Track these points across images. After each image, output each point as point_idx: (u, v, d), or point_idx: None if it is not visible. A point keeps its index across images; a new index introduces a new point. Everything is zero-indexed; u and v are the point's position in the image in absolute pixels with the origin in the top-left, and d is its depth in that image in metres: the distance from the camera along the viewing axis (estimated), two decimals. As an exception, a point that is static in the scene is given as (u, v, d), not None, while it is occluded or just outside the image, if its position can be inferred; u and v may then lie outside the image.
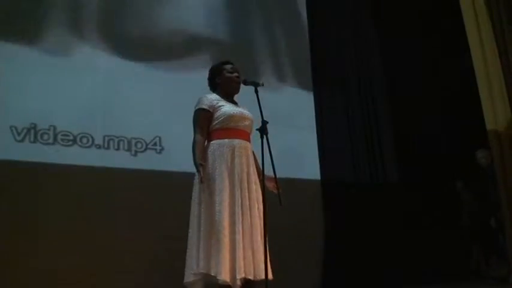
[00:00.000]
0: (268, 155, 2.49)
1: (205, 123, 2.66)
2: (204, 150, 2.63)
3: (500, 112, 4.31)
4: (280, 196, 2.55)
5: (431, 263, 5.08)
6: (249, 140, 2.70)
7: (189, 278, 2.48)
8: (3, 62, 3.74)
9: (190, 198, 2.63)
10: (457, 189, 5.84)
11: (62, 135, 3.85)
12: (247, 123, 2.72)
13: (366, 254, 4.80)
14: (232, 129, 2.66)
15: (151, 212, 3.88)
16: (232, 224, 2.49)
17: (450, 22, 5.08)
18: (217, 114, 2.67)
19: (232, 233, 2.47)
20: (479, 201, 5.59)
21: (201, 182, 2.47)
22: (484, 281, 5.21)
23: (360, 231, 4.87)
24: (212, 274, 2.39)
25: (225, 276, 2.38)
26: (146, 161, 4.13)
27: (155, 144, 4.23)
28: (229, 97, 2.79)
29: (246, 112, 2.76)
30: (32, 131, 3.75)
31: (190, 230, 2.56)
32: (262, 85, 2.69)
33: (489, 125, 4.36)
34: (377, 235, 4.93)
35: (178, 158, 4.03)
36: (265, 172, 2.54)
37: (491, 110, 4.36)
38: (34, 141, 3.73)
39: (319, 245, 4.85)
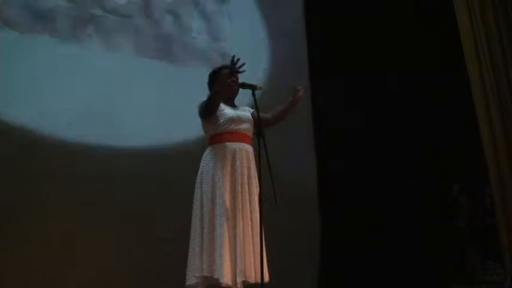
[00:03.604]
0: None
1: None
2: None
3: (494, 113, 4.36)
4: (276, 197, 2.57)
5: (428, 267, 5.10)
6: (250, 143, 2.73)
7: (191, 280, 2.53)
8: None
9: (189, 200, 2.67)
10: (454, 193, 5.86)
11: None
12: (246, 126, 2.75)
13: (363, 256, 4.83)
14: (232, 132, 2.70)
15: (151, 214, 3.91)
16: (233, 227, 2.54)
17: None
18: (217, 118, 2.70)
19: (233, 236, 2.52)
20: (476, 204, 5.63)
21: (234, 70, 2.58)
22: (480, 286, 5.23)
23: (356, 233, 4.90)
24: (215, 277, 2.44)
25: (227, 279, 2.43)
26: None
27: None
28: (228, 101, 2.82)
29: (245, 115, 2.79)
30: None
31: (192, 233, 2.61)
32: (260, 89, 2.73)
33: (484, 128, 4.41)
34: (374, 236, 4.96)
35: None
36: (264, 174, 2.58)
37: (487, 113, 4.40)
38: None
39: (315, 245, 4.87)
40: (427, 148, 5.65)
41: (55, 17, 4.02)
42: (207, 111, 2.69)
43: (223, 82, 2.62)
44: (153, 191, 3.95)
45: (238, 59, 2.55)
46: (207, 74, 2.96)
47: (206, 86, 2.93)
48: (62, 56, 3.95)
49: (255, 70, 4.76)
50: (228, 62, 2.67)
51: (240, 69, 2.58)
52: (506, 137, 4.34)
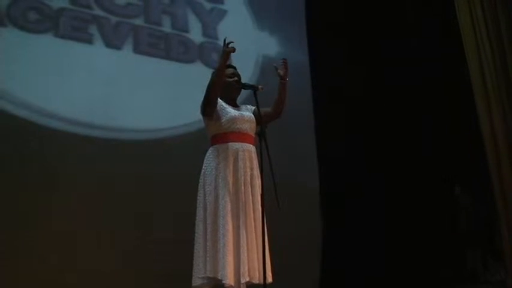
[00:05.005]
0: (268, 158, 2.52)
1: None
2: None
3: (496, 113, 4.36)
4: (278, 199, 2.57)
5: (429, 267, 5.10)
6: (252, 143, 2.72)
7: (196, 281, 2.53)
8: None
9: (192, 197, 2.67)
10: (455, 194, 5.87)
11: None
12: (249, 125, 2.74)
13: (363, 257, 4.83)
14: (235, 132, 2.68)
15: (151, 211, 3.91)
16: (237, 228, 2.53)
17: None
18: (220, 117, 2.70)
19: (237, 236, 2.51)
20: (477, 205, 5.64)
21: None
22: (482, 285, 5.23)
23: (357, 234, 4.90)
24: (219, 278, 2.43)
25: (230, 280, 2.42)
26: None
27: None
28: (230, 101, 2.82)
29: (247, 114, 2.78)
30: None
31: (196, 234, 2.60)
32: (262, 89, 2.72)
33: (485, 129, 4.41)
34: (374, 238, 4.96)
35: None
36: (264, 175, 2.58)
37: (488, 114, 4.40)
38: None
39: (317, 246, 4.87)
40: (428, 149, 5.65)
41: (58, 17, 4.08)
42: (206, 105, 2.67)
43: (219, 74, 2.60)
44: (154, 189, 3.95)
45: (230, 42, 2.53)
46: (203, 70, 2.93)
47: (203, 82, 2.92)
48: (64, 55, 4.00)
49: (249, 65, 4.84)
50: (229, 62, 2.67)
51: (233, 50, 2.55)
52: (507, 136, 4.34)
